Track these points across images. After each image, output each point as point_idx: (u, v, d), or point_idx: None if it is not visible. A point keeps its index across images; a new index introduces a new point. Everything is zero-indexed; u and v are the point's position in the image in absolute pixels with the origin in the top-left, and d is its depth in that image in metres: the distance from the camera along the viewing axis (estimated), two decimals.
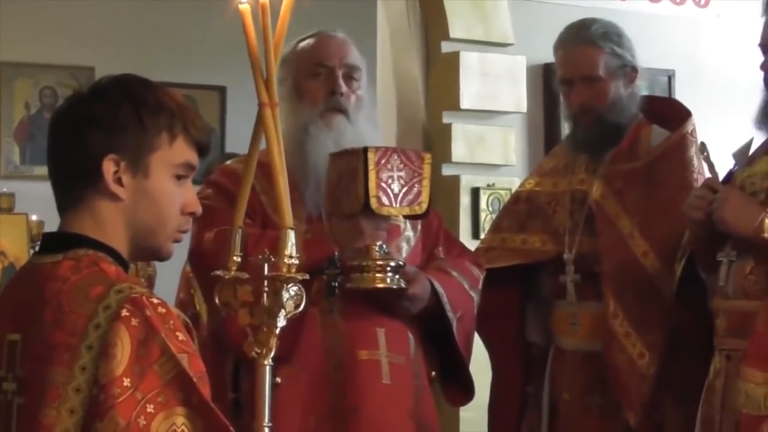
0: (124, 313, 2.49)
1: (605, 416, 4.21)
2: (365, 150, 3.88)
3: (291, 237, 2.69)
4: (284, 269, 2.68)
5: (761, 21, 4.15)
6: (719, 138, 4.57)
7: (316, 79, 4.18)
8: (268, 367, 2.74)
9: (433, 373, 4.26)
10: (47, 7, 8.40)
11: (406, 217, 4.07)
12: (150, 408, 2.48)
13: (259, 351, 2.72)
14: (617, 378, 4.10)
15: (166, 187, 2.75)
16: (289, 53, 4.11)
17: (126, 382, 2.46)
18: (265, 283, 2.69)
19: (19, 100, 8.44)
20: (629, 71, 4.35)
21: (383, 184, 3.92)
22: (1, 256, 6.47)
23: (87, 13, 8.45)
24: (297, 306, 2.71)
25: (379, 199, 3.87)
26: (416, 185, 3.97)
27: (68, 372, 2.50)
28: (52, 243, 2.72)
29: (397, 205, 3.92)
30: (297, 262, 2.71)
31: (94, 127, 2.64)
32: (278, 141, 2.73)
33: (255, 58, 2.72)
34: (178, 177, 2.75)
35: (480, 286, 4.32)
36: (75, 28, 8.43)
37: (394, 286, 3.93)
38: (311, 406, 4.12)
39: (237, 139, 6.00)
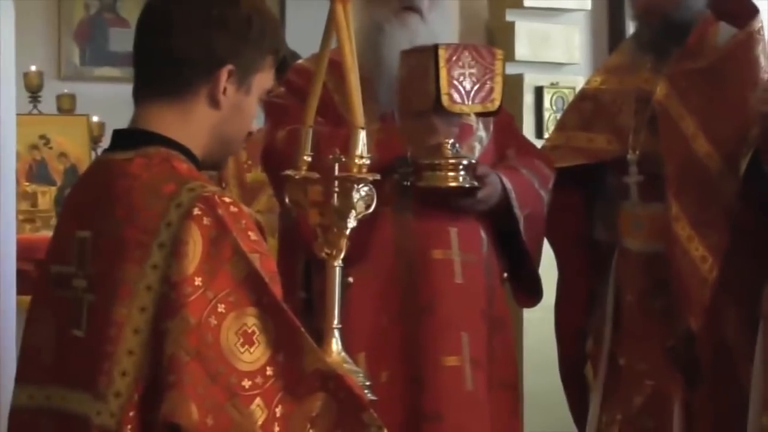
0: (196, 211, 2.53)
1: (667, 319, 4.24)
2: (436, 47, 3.90)
3: (362, 137, 2.73)
4: (355, 169, 2.72)
5: None
6: None
7: None
8: (338, 268, 2.78)
9: (505, 274, 4.30)
10: None
11: (478, 114, 4.10)
12: (221, 308, 2.52)
13: (329, 252, 2.77)
14: (680, 282, 4.14)
15: (254, 107, 2.83)
16: None
17: (197, 281, 2.51)
18: (336, 183, 2.74)
19: (78, 1, 8.39)
20: None
21: (455, 81, 3.94)
22: (63, 157, 6.50)
23: None
24: (368, 207, 2.77)
25: (450, 96, 3.90)
26: (488, 82, 4.00)
27: (139, 269, 2.55)
28: (123, 139, 2.76)
29: (469, 103, 3.94)
30: (368, 162, 2.77)
31: (224, 31, 2.70)
32: (350, 39, 2.77)
33: None
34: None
35: (550, 185, 4.36)
36: None
37: (467, 185, 3.97)
38: (383, 305, 4.19)
39: (297, 35, 6.06)
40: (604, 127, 4.45)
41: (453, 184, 3.98)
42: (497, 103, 3.99)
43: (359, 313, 4.03)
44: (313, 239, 2.84)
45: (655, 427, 4.35)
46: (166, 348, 2.49)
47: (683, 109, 4.28)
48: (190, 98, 2.73)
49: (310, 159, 2.88)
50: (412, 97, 4.03)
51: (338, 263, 2.79)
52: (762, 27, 4.36)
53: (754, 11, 4.39)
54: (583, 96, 4.65)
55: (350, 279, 3.47)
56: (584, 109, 4.56)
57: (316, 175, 2.83)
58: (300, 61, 4.46)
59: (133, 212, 2.60)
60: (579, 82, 5.58)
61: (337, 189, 2.75)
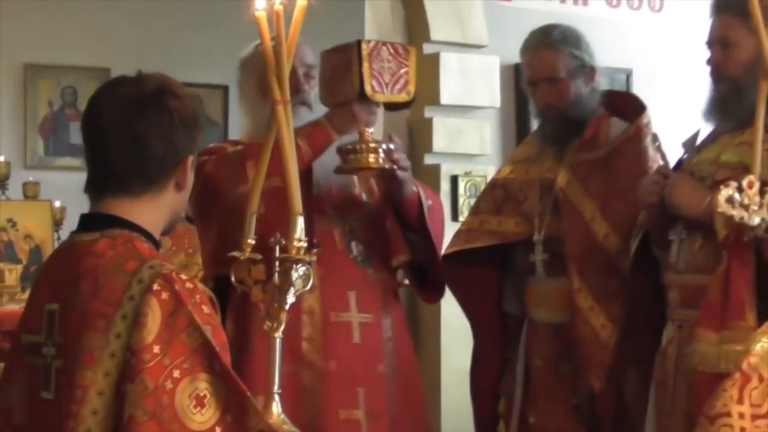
0: (156, 287, 2.50)
1: (572, 381, 4.19)
2: (359, 42, 3.94)
3: (300, 222, 2.70)
4: (293, 251, 2.69)
5: (709, 22, 4.08)
6: (672, 129, 4.56)
7: None
8: (278, 339, 2.75)
9: (406, 281, 4.26)
10: (67, 14, 8.40)
11: (393, 105, 4.14)
12: (176, 373, 2.49)
13: (270, 324, 2.74)
14: (582, 347, 4.11)
15: (188, 189, 2.83)
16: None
17: (156, 349, 2.48)
18: (276, 263, 2.70)
19: (42, 98, 8.54)
20: (588, 71, 4.33)
21: (375, 73, 3.95)
22: (29, 238, 6.56)
23: (103, 20, 8.53)
24: (305, 284, 2.75)
25: (372, 86, 3.92)
26: (403, 75, 4.01)
27: (104, 338, 2.51)
28: (89, 222, 2.72)
29: (388, 92, 3.98)
30: (305, 245, 2.73)
31: (183, 129, 2.70)
32: (290, 133, 2.75)
33: (270, 59, 2.74)
34: None
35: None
36: (92, 33, 8.51)
37: (386, 166, 3.96)
38: (287, 355, 4.01)
39: (238, 135, 6.13)
40: (513, 212, 4.40)
41: (373, 164, 3.95)
42: (412, 93, 4.02)
43: (263, 358, 3.83)
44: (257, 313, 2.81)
45: None
46: (126, 409, 2.45)
47: (582, 195, 4.24)
48: (158, 190, 2.71)
49: (253, 242, 2.84)
50: (337, 89, 4.03)
51: (278, 335, 2.75)
52: (649, 122, 4.34)
53: (642, 108, 4.36)
54: (493, 184, 4.60)
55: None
56: (495, 195, 4.51)
57: (258, 257, 2.79)
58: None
59: (98, 287, 2.57)
60: (490, 171, 5.54)
61: (277, 269, 2.72)
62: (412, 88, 4.05)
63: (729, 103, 3.98)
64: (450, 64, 6.05)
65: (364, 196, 4.31)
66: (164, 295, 2.53)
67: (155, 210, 2.77)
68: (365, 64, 3.96)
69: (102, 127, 2.72)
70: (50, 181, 6.71)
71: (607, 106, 4.40)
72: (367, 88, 3.94)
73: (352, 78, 3.98)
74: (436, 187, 5.86)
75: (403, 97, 4.06)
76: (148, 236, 2.70)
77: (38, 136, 8.52)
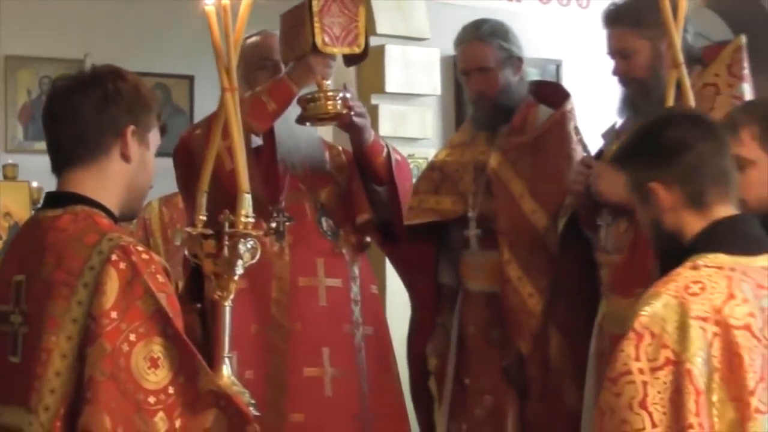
0: (114, 257, 2.52)
1: (503, 345, 4.22)
2: (310, 1, 3.95)
3: (248, 200, 2.75)
4: (241, 227, 2.73)
5: (604, 32, 4.16)
6: (599, 114, 4.60)
7: (264, 70, 4.21)
8: (228, 307, 2.78)
9: (368, 238, 4.29)
10: (46, 8, 8.33)
11: (349, 59, 4.18)
12: (132, 337, 2.51)
13: (220, 294, 2.78)
14: (511, 314, 4.16)
15: (153, 162, 2.82)
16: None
17: (113, 314, 2.49)
18: (226, 238, 2.74)
19: (22, 87, 8.43)
20: (515, 61, 4.37)
21: (326, 28, 3.97)
22: (8, 216, 6.54)
23: (78, 14, 8.41)
24: (253, 257, 2.79)
25: (323, 39, 3.93)
26: (354, 29, 4.04)
27: (66, 305, 2.53)
28: (52, 200, 2.75)
29: (339, 45, 4.00)
30: (252, 221, 2.77)
31: (120, 99, 2.70)
32: (237, 120, 2.80)
33: (219, 51, 2.80)
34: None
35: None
36: (67, 27, 8.37)
37: (343, 112, 4.00)
38: (255, 317, 4.11)
39: None
40: (450, 192, 4.45)
41: (331, 110, 3.98)
42: (362, 46, 4.05)
43: (233, 319, 4.05)
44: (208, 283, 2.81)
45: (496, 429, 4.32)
46: (86, 370, 2.48)
47: (512, 175, 4.28)
48: (105, 159, 2.72)
49: (204, 218, 2.86)
50: (293, 44, 4.04)
51: (228, 303, 2.79)
52: (573, 108, 4.41)
53: (566, 95, 4.45)
54: (432, 167, 4.65)
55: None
56: (433, 177, 4.55)
57: (209, 232, 2.81)
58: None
59: (61, 258, 2.59)
60: (431, 153, 5.51)
61: (227, 243, 2.75)
62: (362, 40, 4.06)
63: (638, 101, 4.05)
64: (394, 55, 6.06)
65: (334, 173, 4.32)
66: (122, 265, 2.54)
67: (107, 181, 2.77)
68: (316, 20, 3.97)
69: (51, 109, 2.78)
70: (28, 164, 6.67)
71: (535, 94, 4.45)
72: (318, 41, 3.95)
73: (306, 33, 4.00)
74: None
75: (354, 50, 4.08)
76: (108, 212, 2.71)
77: (18, 123, 8.39)
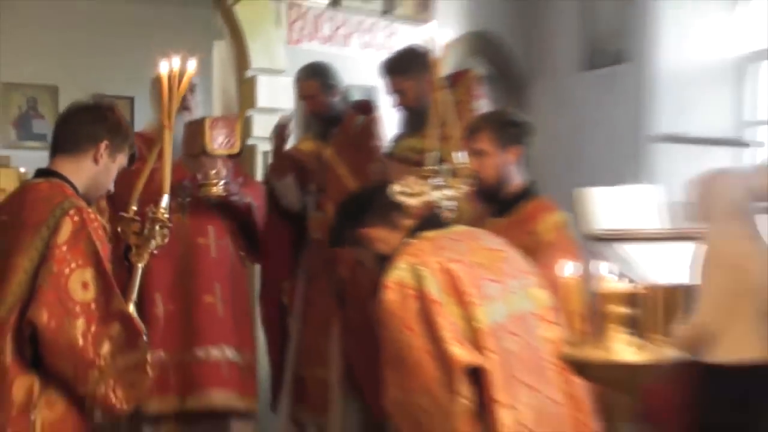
0: (71, 212, 2.69)
1: (332, 276, 4.51)
2: (204, 119, 4.25)
3: (166, 199, 2.90)
4: (160, 215, 2.89)
5: (383, 79, 4.50)
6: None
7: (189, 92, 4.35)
8: (140, 268, 2.91)
9: (242, 252, 4.63)
10: (31, 41, 8.31)
11: (230, 155, 4.33)
12: (73, 265, 2.65)
13: (137, 258, 2.91)
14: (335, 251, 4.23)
15: (114, 173, 2.97)
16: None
17: (64, 248, 2.65)
18: (147, 224, 2.91)
19: (14, 104, 8.56)
20: (334, 89, 4.78)
21: (214, 137, 4.25)
22: (2, 192, 5.85)
23: (52, 49, 8.39)
24: (163, 240, 2.92)
25: (213, 146, 4.25)
26: (233, 137, 4.29)
27: (32, 239, 2.66)
28: (39, 174, 2.91)
29: (223, 149, 4.28)
30: (167, 214, 2.88)
31: (105, 123, 2.94)
32: (170, 147, 2.92)
33: (164, 101, 2.88)
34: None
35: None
36: (45, 59, 8.40)
37: (223, 194, 4.29)
38: (171, 268, 4.40)
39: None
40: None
41: (215, 192, 4.31)
42: (239, 148, 4.34)
43: (156, 271, 4.21)
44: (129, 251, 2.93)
45: (327, 336, 4.65)
46: (37, 282, 2.64)
47: (339, 161, 4.69)
48: (82, 155, 2.88)
49: (135, 208, 2.95)
50: (192, 146, 4.29)
51: (140, 265, 2.91)
52: (380, 115, 4.77)
53: (375, 107, 4.83)
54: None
55: (155, 252, 3.22)
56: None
57: (137, 218, 2.93)
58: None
59: (35, 209, 2.72)
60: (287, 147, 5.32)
61: (147, 227, 2.91)
62: (238, 145, 4.29)
63: (413, 120, 4.41)
64: (263, 82, 6.27)
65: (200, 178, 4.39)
66: (75, 218, 2.69)
67: (79, 170, 2.88)
68: (208, 132, 4.21)
69: (63, 116, 3.00)
70: (19, 157, 6.45)
71: (354, 107, 4.88)
72: (208, 148, 4.22)
73: (201, 140, 4.21)
74: (252, 163, 6.16)
75: (232, 151, 4.29)
76: (74, 187, 2.83)
77: (11, 128, 8.56)
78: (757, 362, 3.33)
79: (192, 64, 2.89)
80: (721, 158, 6.21)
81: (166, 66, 2.80)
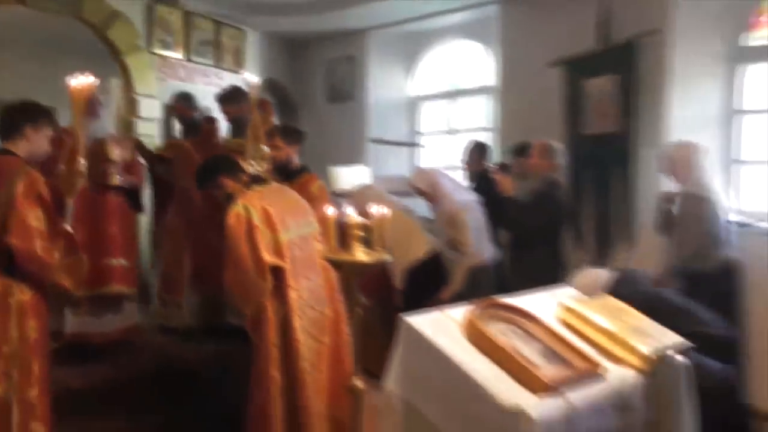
0: (24, 173, 3.19)
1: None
2: (104, 138, 4.71)
3: (81, 161, 3.39)
4: (81, 169, 3.28)
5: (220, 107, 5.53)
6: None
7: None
8: (71, 202, 3.29)
9: (131, 206, 5.08)
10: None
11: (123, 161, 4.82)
12: (28, 207, 3.14)
13: (69, 195, 3.30)
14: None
15: (45, 143, 3.49)
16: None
17: (21, 197, 3.13)
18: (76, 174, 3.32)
19: None
20: (192, 110, 5.74)
21: (113, 148, 4.81)
22: None
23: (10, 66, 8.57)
24: (81, 182, 3.37)
25: (112, 151, 4.76)
26: (126, 151, 4.93)
27: (3, 193, 3.10)
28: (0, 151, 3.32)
29: (117, 157, 4.81)
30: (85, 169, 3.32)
31: (27, 113, 3.41)
32: (83, 145, 3.32)
33: (77, 114, 3.30)
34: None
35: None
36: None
37: (119, 181, 4.84)
38: (86, 221, 4.88)
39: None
40: None
41: (115, 182, 4.99)
42: (132, 155, 4.88)
43: (79, 216, 4.53)
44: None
45: (182, 247, 5.38)
46: (7, 221, 3.16)
47: (193, 149, 5.44)
48: (19, 137, 3.42)
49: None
50: (94, 165, 4.71)
51: (70, 198, 3.34)
52: (218, 125, 5.62)
53: (215, 120, 5.67)
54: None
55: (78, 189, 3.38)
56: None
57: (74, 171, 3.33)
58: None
59: (2, 174, 3.17)
60: (158, 142, 6.68)
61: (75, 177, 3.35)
62: (129, 154, 4.80)
63: (236, 128, 5.18)
64: (143, 103, 7.27)
65: (116, 153, 4.99)
66: (28, 179, 3.18)
67: (21, 148, 3.36)
68: (109, 145, 4.73)
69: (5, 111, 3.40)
70: None
71: (205, 120, 5.80)
72: (111, 153, 4.80)
73: (105, 151, 4.68)
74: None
75: (125, 158, 4.80)
76: (24, 161, 3.32)
77: None
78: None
79: (94, 80, 3.36)
80: (403, 154, 8.89)
81: (76, 80, 3.26)
